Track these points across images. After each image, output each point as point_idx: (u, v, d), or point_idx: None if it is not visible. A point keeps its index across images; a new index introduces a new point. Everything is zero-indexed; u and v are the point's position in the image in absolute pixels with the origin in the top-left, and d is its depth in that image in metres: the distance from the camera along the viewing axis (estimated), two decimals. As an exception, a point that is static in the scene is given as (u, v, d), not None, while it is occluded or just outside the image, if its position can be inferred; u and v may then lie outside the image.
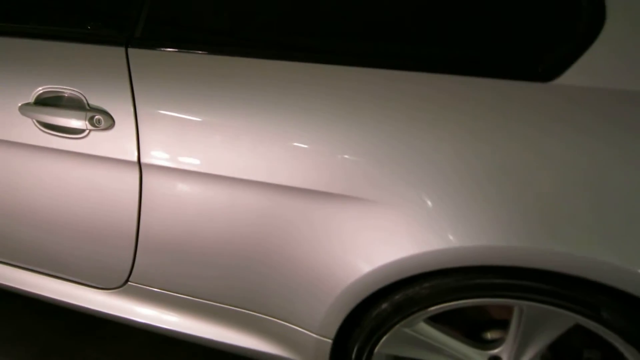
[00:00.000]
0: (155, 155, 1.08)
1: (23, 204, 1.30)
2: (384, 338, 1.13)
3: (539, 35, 0.92)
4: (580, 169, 0.88)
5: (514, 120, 0.90)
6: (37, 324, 1.75)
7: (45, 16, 1.25)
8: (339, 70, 0.99)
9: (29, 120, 1.14)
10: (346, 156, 0.99)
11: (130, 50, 1.08)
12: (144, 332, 1.60)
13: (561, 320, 0.99)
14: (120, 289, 1.36)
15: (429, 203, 0.95)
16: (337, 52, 1.01)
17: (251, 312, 1.24)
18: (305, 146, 1.00)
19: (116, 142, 1.09)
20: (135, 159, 1.09)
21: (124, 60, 1.08)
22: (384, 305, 1.09)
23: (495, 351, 1.14)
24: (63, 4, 1.23)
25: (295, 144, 1.01)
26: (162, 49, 1.08)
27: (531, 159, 0.90)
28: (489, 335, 1.21)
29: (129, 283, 1.33)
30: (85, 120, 1.08)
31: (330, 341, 1.17)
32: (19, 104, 1.14)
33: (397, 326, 1.10)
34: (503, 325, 1.16)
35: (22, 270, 1.48)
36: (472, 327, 1.21)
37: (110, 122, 1.08)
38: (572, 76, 0.90)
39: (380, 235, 1.01)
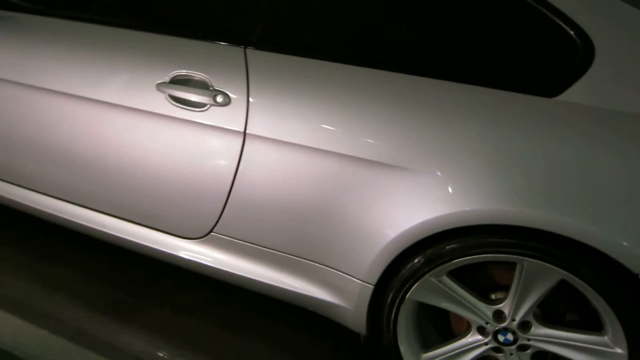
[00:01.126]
0: (257, 128, 1.46)
1: (137, 161, 1.66)
2: (415, 286, 1.47)
3: (548, 65, 1.31)
4: (571, 157, 1.24)
5: (525, 120, 1.28)
6: (110, 273, 2.09)
7: (182, 18, 1.65)
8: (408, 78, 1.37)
9: (162, 95, 1.53)
10: (400, 135, 1.36)
11: (247, 50, 1.48)
12: (203, 283, 1.94)
13: (551, 275, 1.34)
14: (203, 238, 1.71)
15: (458, 175, 1.32)
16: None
17: (311, 262, 1.58)
18: (371, 126, 1.37)
19: (230, 116, 1.47)
20: (242, 129, 1.47)
21: (243, 57, 1.47)
22: (418, 258, 1.43)
23: (499, 306, 1.47)
24: (194, 11, 1.64)
25: (363, 124, 1.39)
26: (271, 52, 1.48)
27: (535, 149, 1.27)
28: (493, 296, 1.54)
29: (212, 233, 1.68)
30: (210, 97, 1.46)
31: (372, 286, 1.51)
32: (156, 82, 1.53)
33: (427, 276, 1.45)
34: (504, 289, 1.50)
35: (115, 218, 1.83)
36: (481, 289, 1.54)
37: (228, 101, 1.46)
38: (570, 94, 1.28)
39: (418, 199, 1.37)
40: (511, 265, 1.41)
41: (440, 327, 1.64)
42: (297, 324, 1.92)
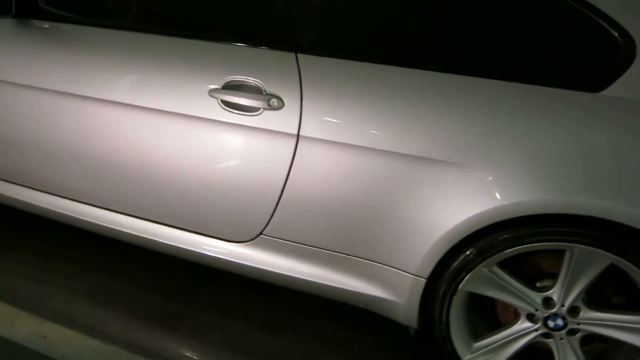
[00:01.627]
0: (311, 130, 1.51)
1: (186, 167, 1.70)
2: (467, 277, 1.52)
3: (593, 63, 1.38)
4: (616, 148, 1.31)
5: (572, 113, 1.35)
6: (153, 281, 2.12)
7: (232, 26, 1.70)
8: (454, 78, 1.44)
9: (215, 101, 1.57)
10: (451, 132, 1.42)
11: (299, 55, 1.53)
12: (243, 286, 1.98)
13: (601, 260, 1.40)
14: (252, 241, 1.75)
15: (510, 168, 1.38)
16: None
17: (362, 259, 1.63)
18: (423, 125, 1.43)
19: (283, 119, 1.52)
20: (295, 132, 1.52)
21: (295, 62, 1.52)
22: (470, 250, 1.49)
23: (548, 293, 1.53)
24: (245, 19, 1.69)
25: (415, 123, 1.45)
26: (322, 56, 1.53)
27: (583, 141, 1.34)
28: (538, 284, 1.60)
29: (262, 236, 1.73)
30: (264, 101, 1.51)
31: (424, 280, 1.56)
32: (209, 89, 1.58)
33: (479, 267, 1.50)
34: (549, 276, 1.56)
35: (161, 225, 1.86)
36: (526, 278, 1.60)
37: (281, 105, 1.52)
38: (614, 90, 1.35)
39: (471, 193, 1.42)
40: (556, 253, 1.48)
41: (486, 317, 1.69)
42: (340, 321, 1.97)
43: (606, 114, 1.34)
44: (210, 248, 1.81)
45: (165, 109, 1.65)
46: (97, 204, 1.89)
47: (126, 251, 2.22)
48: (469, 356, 1.64)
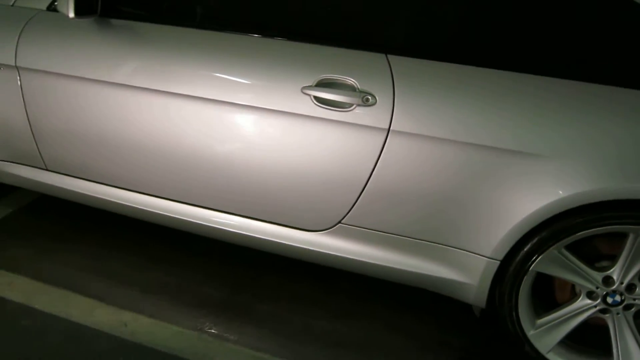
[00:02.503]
0: (402, 125, 1.64)
1: (273, 160, 1.80)
2: (539, 258, 1.69)
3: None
4: None
5: (635, 109, 1.53)
6: (219, 271, 2.21)
7: (323, 27, 1.82)
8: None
9: (307, 97, 1.69)
10: (533, 126, 1.58)
11: (389, 56, 1.67)
12: (302, 276, 2.10)
13: (660, 241, 1.59)
14: (330, 229, 1.87)
15: (583, 159, 1.55)
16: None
17: (439, 245, 1.78)
18: (505, 119, 1.59)
19: (375, 114, 1.65)
20: (387, 126, 1.65)
21: (386, 62, 1.66)
22: (544, 233, 1.65)
23: (608, 272, 1.71)
24: (336, 21, 1.80)
25: (499, 118, 1.60)
26: (410, 57, 1.67)
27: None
28: (597, 265, 1.77)
29: (340, 224, 1.85)
30: (358, 98, 1.64)
31: (498, 262, 1.72)
32: (301, 86, 1.69)
33: (550, 249, 1.67)
34: (607, 258, 1.74)
35: (238, 217, 1.96)
36: (588, 260, 1.77)
37: (374, 101, 1.65)
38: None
39: (549, 182, 1.59)
40: (611, 237, 1.66)
41: (544, 297, 1.86)
42: (400, 307, 2.10)
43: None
44: (287, 238, 1.92)
45: (254, 105, 1.75)
46: (178, 199, 1.97)
47: (187, 244, 2.31)
48: (532, 332, 1.80)
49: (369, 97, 1.64)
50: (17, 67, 1.96)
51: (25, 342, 1.78)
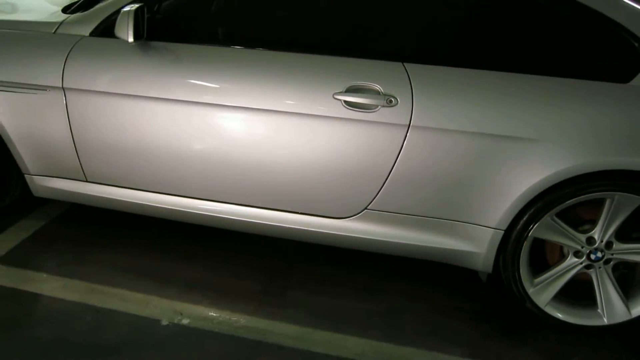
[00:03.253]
0: (420, 120, 1.97)
1: (307, 157, 2.08)
2: (536, 225, 2.04)
3: (623, 65, 1.96)
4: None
5: (611, 97, 1.92)
6: (255, 261, 2.46)
7: (346, 42, 2.12)
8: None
9: (339, 102, 1.99)
10: (529, 115, 1.94)
11: (405, 64, 2.00)
12: (326, 262, 2.39)
13: (633, 203, 1.97)
14: (357, 215, 2.17)
15: (571, 140, 1.91)
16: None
17: (453, 221, 2.10)
18: (507, 109, 1.93)
19: (397, 113, 1.97)
20: (407, 123, 1.97)
21: (404, 69, 1.98)
22: (539, 204, 2.00)
23: (590, 233, 2.08)
24: (358, 36, 2.11)
25: (501, 109, 1.95)
26: (423, 64, 2.01)
27: (621, 116, 1.90)
28: (580, 228, 2.14)
29: (367, 210, 2.15)
30: (383, 100, 1.96)
31: (502, 231, 2.06)
32: (333, 92, 1.99)
33: (545, 216, 2.03)
34: (588, 222, 2.11)
35: (273, 211, 2.22)
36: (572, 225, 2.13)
37: (396, 102, 1.97)
38: (635, 81, 1.94)
39: (544, 160, 1.93)
40: (592, 204, 2.03)
41: (536, 261, 2.22)
42: (416, 280, 2.42)
43: (633, 96, 1.92)
44: (320, 226, 2.20)
45: (292, 111, 2.03)
46: (221, 199, 2.21)
47: (216, 241, 2.55)
48: (532, 289, 2.15)
49: (392, 99, 1.96)
50: (63, 89, 2.16)
51: (94, 334, 1.97)
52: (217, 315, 2.12)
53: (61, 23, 2.22)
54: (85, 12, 2.23)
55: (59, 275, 2.25)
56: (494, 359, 2.04)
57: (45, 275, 2.26)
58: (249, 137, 2.10)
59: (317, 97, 2.00)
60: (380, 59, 2.03)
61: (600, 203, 2.03)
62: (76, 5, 2.44)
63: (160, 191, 2.29)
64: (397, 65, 2.00)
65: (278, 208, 2.22)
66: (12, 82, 2.19)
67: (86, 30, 2.18)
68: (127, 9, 1.98)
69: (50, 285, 2.20)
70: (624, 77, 1.95)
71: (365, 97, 1.97)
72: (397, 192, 2.09)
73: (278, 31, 2.19)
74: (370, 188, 2.10)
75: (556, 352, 2.11)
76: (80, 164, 2.30)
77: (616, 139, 1.91)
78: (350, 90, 1.99)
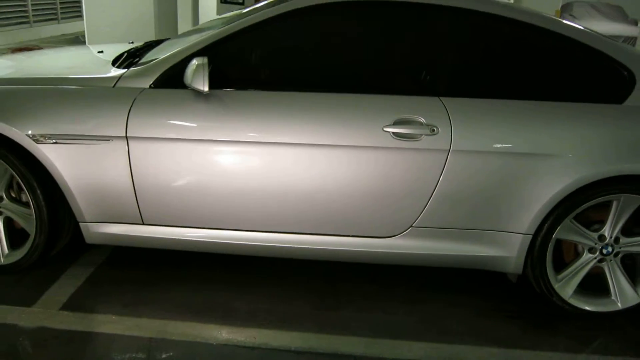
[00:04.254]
0: (458, 145, 2.29)
1: (357, 185, 2.35)
2: (559, 228, 2.40)
3: (617, 89, 2.38)
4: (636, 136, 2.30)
5: (610, 115, 2.33)
6: (302, 285, 2.66)
7: (388, 82, 2.43)
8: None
9: (388, 134, 2.28)
10: (549, 136, 2.31)
11: (441, 98, 2.33)
12: (370, 278, 2.64)
13: (636, 203, 2.37)
14: (403, 233, 2.44)
15: (584, 153, 2.29)
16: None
17: (488, 230, 2.42)
18: (533, 132, 2.30)
19: (439, 140, 2.28)
20: (447, 148, 2.29)
21: (440, 102, 2.31)
22: (560, 209, 2.36)
23: (601, 231, 2.46)
24: (400, 77, 2.43)
25: (528, 132, 2.31)
26: (455, 97, 2.34)
27: (619, 130, 2.31)
28: (591, 228, 2.52)
29: (412, 227, 2.43)
30: (426, 130, 2.27)
31: (531, 236, 2.40)
32: (382, 126, 2.29)
33: (565, 220, 2.39)
34: (597, 222, 2.49)
35: (320, 236, 2.45)
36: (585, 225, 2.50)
37: (437, 131, 2.28)
38: (628, 101, 2.36)
39: (563, 171, 2.29)
40: (599, 206, 2.41)
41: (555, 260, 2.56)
42: (450, 289, 2.70)
43: (628, 114, 2.34)
44: (370, 246, 2.45)
45: (345, 144, 2.30)
46: (274, 229, 2.42)
47: (259, 271, 2.74)
48: (557, 285, 2.49)
49: (434, 128, 2.28)
50: (127, 138, 2.32)
51: (181, 364, 2.11)
52: (287, 335, 2.30)
53: (120, 78, 2.39)
54: (143, 67, 2.41)
55: (127, 316, 2.36)
56: (533, 347, 2.34)
57: (114, 317, 2.35)
58: (307, 171, 2.33)
59: (368, 130, 2.28)
60: (420, 95, 2.34)
61: (606, 205, 2.41)
62: (124, 57, 2.62)
63: (218, 227, 2.47)
64: (435, 99, 2.32)
65: (330, 233, 2.45)
66: (74, 135, 2.32)
67: (146, 83, 2.36)
68: (197, 61, 2.19)
69: (123, 325, 2.30)
70: (619, 99, 2.37)
71: (411, 128, 2.27)
72: (439, 209, 2.38)
73: (329, 75, 2.47)
74: (415, 207, 2.38)
75: (582, 338, 2.44)
76: (139, 208, 2.44)
77: (618, 149, 2.31)
78: (397, 123, 2.28)
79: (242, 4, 10.10)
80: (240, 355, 2.18)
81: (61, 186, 2.42)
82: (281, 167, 2.34)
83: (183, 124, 2.31)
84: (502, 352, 2.30)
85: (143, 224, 2.49)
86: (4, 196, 2.54)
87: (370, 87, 2.41)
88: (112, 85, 2.39)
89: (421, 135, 2.28)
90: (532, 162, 2.31)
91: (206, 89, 2.20)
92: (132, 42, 3.46)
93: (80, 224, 2.51)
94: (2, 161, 2.40)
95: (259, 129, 2.30)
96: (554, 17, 2.51)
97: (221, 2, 10.09)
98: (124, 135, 2.32)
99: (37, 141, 2.33)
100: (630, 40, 9.46)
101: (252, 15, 2.42)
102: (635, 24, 11.91)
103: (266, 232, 2.46)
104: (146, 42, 3.21)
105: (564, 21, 2.51)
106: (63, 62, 3.04)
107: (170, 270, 2.73)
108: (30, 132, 2.33)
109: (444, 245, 2.45)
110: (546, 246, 2.42)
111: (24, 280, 2.58)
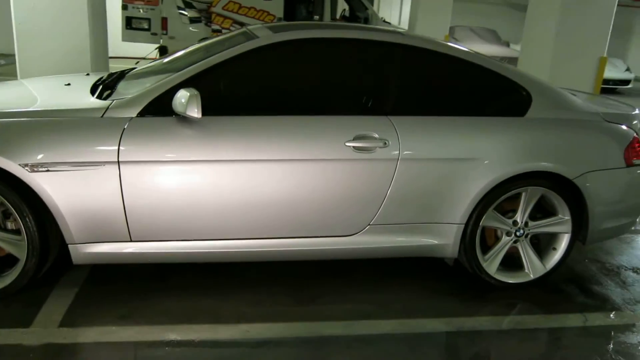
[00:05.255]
0: (406, 154, 2.81)
1: (322, 193, 2.79)
2: (484, 217, 3.00)
3: (519, 105, 3.05)
4: (539, 135, 2.99)
5: (517, 125, 2.99)
6: (284, 281, 3.03)
7: (347, 105, 2.89)
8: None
9: (349, 148, 2.75)
10: (473, 143, 2.92)
11: (389, 117, 2.85)
12: (333, 274, 3.09)
13: (539, 193, 3.04)
14: (363, 231, 2.91)
15: (500, 156, 2.92)
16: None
17: (431, 223, 2.96)
18: (461, 140, 2.89)
19: (389, 151, 2.78)
20: (397, 157, 2.81)
21: (389, 121, 2.83)
22: (484, 202, 2.97)
23: (514, 218, 3.11)
24: (355, 102, 2.90)
25: (457, 140, 2.89)
26: (400, 115, 2.87)
27: (525, 136, 2.97)
28: (506, 216, 3.16)
29: (369, 225, 2.91)
30: (381, 143, 2.77)
31: (463, 225, 2.98)
32: (344, 141, 2.75)
33: (489, 210, 3.00)
34: (510, 211, 3.14)
35: (296, 239, 2.86)
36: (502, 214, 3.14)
37: (388, 144, 2.79)
38: (529, 114, 3.04)
39: (486, 170, 2.90)
40: (513, 198, 3.06)
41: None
42: (406, 279, 3.20)
43: (530, 123, 3.01)
44: (335, 244, 2.89)
45: (313, 158, 2.73)
46: (256, 236, 2.77)
47: (238, 273, 3.07)
48: (485, 264, 3.09)
49: (386, 142, 2.78)
50: (118, 162, 2.57)
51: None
52: (276, 326, 2.66)
53: (107, 108, 2.64)
54: (129, 98, 2.67)
55: (127, 325, 2.58)
56: (471, 314, 2.90)
57: (114, 327, 2.57)
58: (281, 182, 2.72)
59: (333, 146, 2.73)
60: (373, 115, 2.85)
61: (517, 197, 3.05)
62: (100, 89, 2.88)
63: (204, 238, 2.77)
64: (385, 118, 2.84)
65: (302, 235, 2.86)
66: (67, 162, 2.53)
67: (133, 112, 2.63)
68: (189, 92, 2.51)
69: (126, 333, 2.53)
70: (521, 113, 3.03)
71: (368, 142, 2.76)
72: (391, 208, 2.88)
73: (297, 100, 2.89)
74: (372, 209, 2.87)
75: (506, 304, 3.05)
76: (128, 226, 2.69)
77: (523, 152, 2.96)
78: (357, 138, 2.76)
79: (148, 29, 10.26)
80: (241, 345, 2.50)
81: (52, 211, 2.59)
82: (260, 181, 2.71)
83: (171, 147, 2.61)
84: (449, 321, 2.83)
85: (131, 240, 2.73)
86: (-11, 224, 2.66)
87: (330, 110, 2.87)
88: (101, 115, 2.63)
89: (375, 147, 2.77)
90: (462, 165, 2.89)
91: (199, 115, 2.52)
92: (88, 74, 3.64)
93: (69, 246, 2.69)
94: (-8, 191, 2.53)
95: (240, 148, 2.66)
96: (476, 52, 3.14)
97: (126, 28, 10.17)
98: (116, 160, 2.56)
99: (31, 170, 2.51)
100: (512, 60, 10.83)
101: (225, 52, 2.78)
102: (507, 45, 13.57)
103: (248, 239, 2.81)
104: (110, 74, 3.43)
105: (482, 55, 3.14)
106: (43, 94, 3.17)
107: (154, 282, 2.97)
108: (23, 162, 2.50)
109: (396, 238, 2.95)
110: (475, 233, 3.01)
111: (12, 305, 2.69)
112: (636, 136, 3.21)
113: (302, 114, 2.81)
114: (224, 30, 10.11)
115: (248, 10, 10.11)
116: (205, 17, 10.28)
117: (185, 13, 10.09)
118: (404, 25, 15.83)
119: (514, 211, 3.09)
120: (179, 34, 10.28)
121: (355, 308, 2.88)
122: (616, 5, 5.55)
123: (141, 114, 2.64)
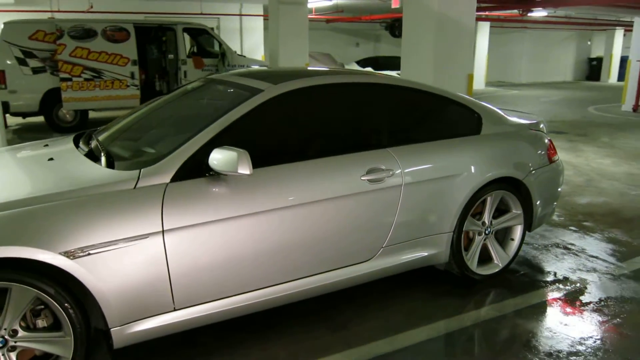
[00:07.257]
0: (408, 179, 3.18)
1: (342, 227, 3.03)
2: (466, 222, 3.51)
3: (473, 125, 3.62)
4: (483, 150, 3.60)
5: (474, 142, 3.56)
6: (308, 315, 3.16)
7: (353, 144, 3.14)
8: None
9: (364, 181, 3.04)
10: (450, 163, 3.40)
11: (389, 148, 3.19)
12: (345, 299, 3.35)
13: (500, 195, 3.65)
14: (377, 254, 3.22)
15: (474, 170, 3.46)
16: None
17: (429, 236, 3.37)
18: (443, 163, 3.36)
19: (395, 179, 3.12)
20: (401, 183, 3.17)
21: (390, 153, 3.17)
22: (465, 210, 3.47)
23: (482, 219, 3.67)
24: (359, 141, 3.17)
25: (442, 164, 3.35)
26: (399, 146, 3.24)
27: (483, 151, 3.56)
28: (476, 218, 3.71)
29: (382, 248, 3.22)
30: (387, 174, 3.10)
31: (453, 232, 3.45)
32: (359, 176, 3.03)
33: (468, 216, 3.51)
34: (479, 213, 3.70)
35: (313, 277, 3.05)
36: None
37: (393, 173, 3.14)
38: (483, 132, 3.64)
39: (466, 183, 3.40)
40: (480, 203, 3.63)
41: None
42: (407, 287, 3.55)
43: (484, 138, 3.60)
44: (355, 271, 3.14)
45: (334, 196, 2.96)
46: (292, 278, 2.89)
47: (263, 322, 3.14)
48: (468, 262, 3.59)
49: (391, 171, 3.13)
50: (162, 232, 2.52)
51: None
52: (331, 355, 2.81)
53: (139, 179, 2.55)
54: (158, 165, 2.61)
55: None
56: (468, 310, 3.36)
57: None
58: (310, 223, 2.89)
59: (351, 182, 2.99)
60: (375, 149, 3.17)
61: (483, 202, 3.62)
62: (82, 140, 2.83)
63: (245, 291, 2.81)
64: (386, 150, 3.18)
65: (328, 269, 3.05)
66: (109, 242, 2.40)
67: (167, 178, 2.58)
68: (235, 151, 2.54)
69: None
70: (477, 132, 3.61)
71: (378, 174, 3.08)
72: (399, 229, 3.23)
73: (310, 145, 3.08)
74: (384, 233, 3.18)
75: (485, 293, 3.58)
76: (172, 295, 2.62)
77: (485, 164, 3.53)
78: (369, 172, 3.06)
79: None
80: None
81: (96, 296, 2.42)
82: (291, 225, 2.84)
83: (211, 207, 2.62)
84: (462, 317, 3.25)
85: (174, 310, 2.65)
86: (19, 328, 2.38)
87: (339, 149, 3.11)
88: (133, 186, 2.53)
89: (384, 177, 3.10)
90: (448, 181, 3.35)
91: (251, 172, 2.58)
92: (47, 145, 3.35)
93: (112, 330, 2.52)
94: (29, 288, 2.30)
95: (272, 197, 2.77)
96: (445, 89, 3.65)
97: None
98: (160, 229, 2.50)
99: (70, 257, 2.33)
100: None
101: (237, 108, 2.86)
102: (343, 66, 14.77)
103: (282, 284, 2.90)
104: (83, 131, 3.31)
105: (444, 89, 3.65)
106: (45, 175, 2.85)
107: (184, 349, 2.89)
108: (62, 249, 2.32)
109: (403, 255, 3.30)
110: (460, 238, 3.49)
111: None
112: (550, 139, 4.01)
113: (315, 157, 3.01)
114: (74, 79, 9.43)
115: (99, 54, 9.60)
116: (50, 65, 9.48)
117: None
118: (253, 56, 16.11)
119: (481, 214, 3.64)
120: (21, 87, 9.32)
121: (385, 324, 3.14)
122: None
123: (174, 179, 2.61)
